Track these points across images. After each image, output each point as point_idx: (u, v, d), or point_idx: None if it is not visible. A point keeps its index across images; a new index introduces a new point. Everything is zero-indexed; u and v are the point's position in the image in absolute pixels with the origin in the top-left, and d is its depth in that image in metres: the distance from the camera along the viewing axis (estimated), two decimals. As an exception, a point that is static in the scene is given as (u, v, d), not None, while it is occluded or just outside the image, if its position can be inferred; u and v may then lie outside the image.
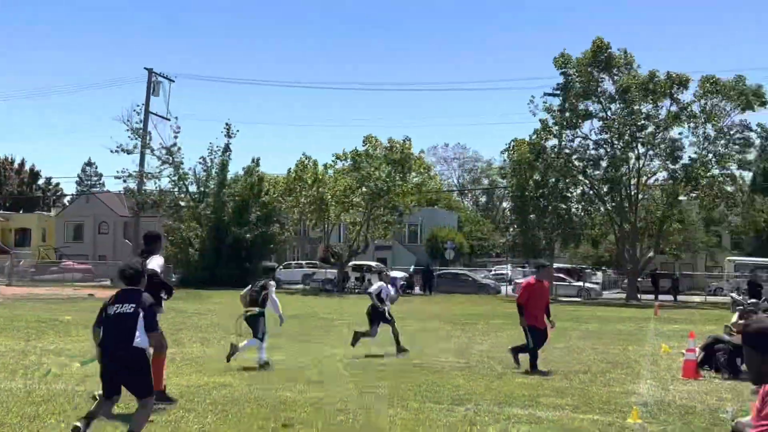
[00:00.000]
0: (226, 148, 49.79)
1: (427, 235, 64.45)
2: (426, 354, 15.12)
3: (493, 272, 55.98)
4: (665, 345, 17.07)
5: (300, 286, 50.13)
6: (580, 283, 47.02)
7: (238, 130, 51.72)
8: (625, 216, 43.73)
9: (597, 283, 49.53)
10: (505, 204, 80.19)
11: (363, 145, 49.09)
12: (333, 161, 50.12)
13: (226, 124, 50.08)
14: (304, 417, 8.68)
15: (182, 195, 50.97)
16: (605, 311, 32.46)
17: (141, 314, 7.05)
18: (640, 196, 44.81)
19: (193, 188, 50.66)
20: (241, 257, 47.36)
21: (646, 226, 45.38)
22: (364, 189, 48.12)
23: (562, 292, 44.83)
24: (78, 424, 6.93)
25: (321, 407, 9.29)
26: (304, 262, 61.74)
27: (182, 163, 49.84)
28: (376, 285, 15.61)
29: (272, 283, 12.88)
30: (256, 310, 12.53)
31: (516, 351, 13.30)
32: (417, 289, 47.85)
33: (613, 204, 44.54)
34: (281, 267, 58.82)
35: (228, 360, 12.41)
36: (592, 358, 14.29)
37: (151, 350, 7.45)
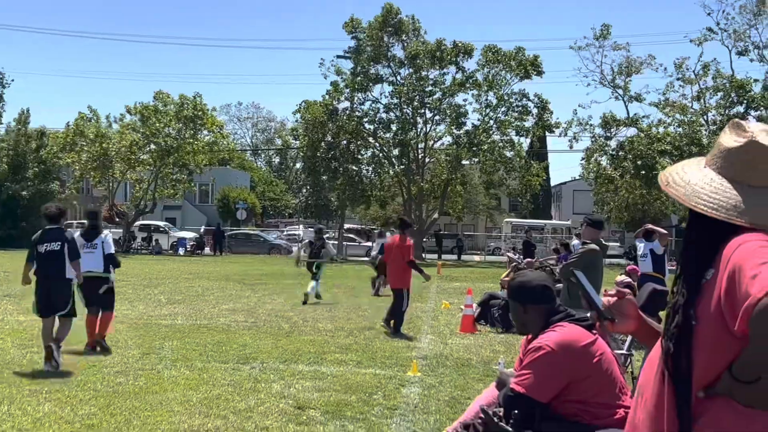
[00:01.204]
0: (-1, 98, 46.29)
1: (218, 195, 63.38)
2: (213, 314, 14.97)
3: (285, 233, 56.13)
4: (446, 301, 17.89)
5: (82, 247, 47.73)
6: (369, 243, 48.13)
7: (13, 80, 48.19)
8: (412, 178, 45.05)
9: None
10: (297, 165, 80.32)
11: (153, 100, 47.37)
12: (122, 115, 48.09)
13: (-1, 72, 46.44)
14: (81, 380, 8.35)
15: (-51, 149, 46.94)
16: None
17: (66, 248, 8.86)
18: (426, 160, 46.35)
19: (-39, 142, 46.75)
20: (16, 216, 44.55)
21: (432, 189, 47.03)
22: (152, 146, 46.49)
23: (351, 252, 45.75)
24: (50, 344, 8.74)
25: (100, 369, 8.98)
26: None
27: (-52, 115, 45.86)
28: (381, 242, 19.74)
29: (328, 241, 18.31)
30: (319, 261, 17.60)
31: (392, 318, 12.95)
32: (207, 250, 47.11)
33: (402, 167, 45.75)
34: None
35: (305, 303, 16.57)
36: (376, 314, 14.70)
37: (75, 278, 9.18)
